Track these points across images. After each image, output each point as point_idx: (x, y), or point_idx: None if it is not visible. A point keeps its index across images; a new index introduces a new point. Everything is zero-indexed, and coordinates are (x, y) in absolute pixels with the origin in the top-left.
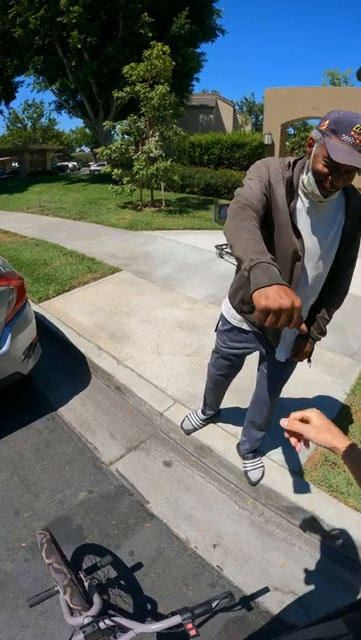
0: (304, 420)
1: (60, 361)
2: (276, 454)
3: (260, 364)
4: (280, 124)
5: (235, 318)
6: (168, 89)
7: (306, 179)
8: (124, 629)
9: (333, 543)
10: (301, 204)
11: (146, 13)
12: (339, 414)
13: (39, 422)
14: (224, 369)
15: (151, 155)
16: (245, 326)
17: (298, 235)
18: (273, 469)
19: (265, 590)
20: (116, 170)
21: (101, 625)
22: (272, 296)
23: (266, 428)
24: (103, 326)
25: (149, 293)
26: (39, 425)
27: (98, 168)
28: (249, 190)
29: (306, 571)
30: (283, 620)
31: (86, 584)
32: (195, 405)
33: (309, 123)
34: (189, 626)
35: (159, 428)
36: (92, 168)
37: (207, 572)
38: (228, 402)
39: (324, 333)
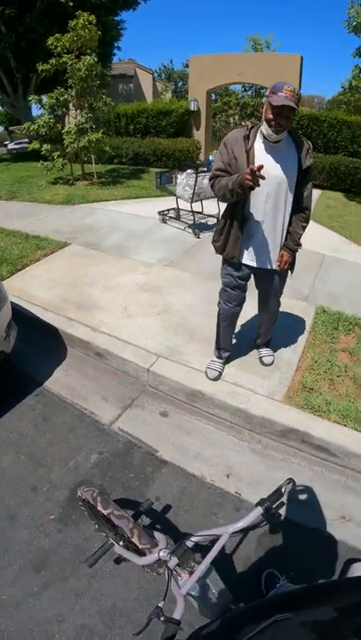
0: None
1: (32, 338)
2: (262, 388)
3: (257, 287)
4: (205, 90)
5: (216, 250)
6: (95, 59)
7: (263, 127)
8: (214, 537)
9: (326, 454)
10: (262, 148)
11: None
12: (304, 347)
13: (29, 399)
14: (235, 299)
15: (81, 127)
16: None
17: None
18: (262, 401)
19: (281, 504)
20: (45, 145)
21: (188, 544)
22: (246, 171)
23: (270, 330)
24: (68, 298)
25: (104, 262)
26: (30, 401)
27: (16, 147)
28: (216, 170)
29: (309, 481)
30: (302, 525)
31: (140, 527)
32: (177, 357)
33: (231, 88)
34: (272, 511)
35: (147, 384)
36: (9, 147)
37: (229, 499)
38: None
39: (299, 245)
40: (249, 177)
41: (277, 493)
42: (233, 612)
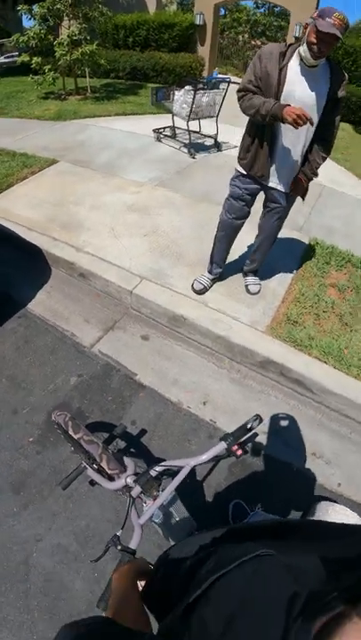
0: None
1: (15, 259)
2: (245, 317)
3: (264, 207)
4: (213, 3)
5: (243, 168)
6: None
7: (302, 48)
8: (177, 468)
9: (303, 389)
10: (296, 69)
11: None
12: (292, 278)
13: (11, 322)
14: (237, 211)
15: (75, 38)
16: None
17: (282, 85)
18: (244, 330)
19: (255, 435)
20: (35, 58)
21: (152, 473)
22: (293, 110)
23: (264, 257)
24: (53, 218)
25: (93, 181)
26: (12, 324)
27: (6, 61)
28: (246, 83)
29: (284, 414)
30: (274, 458)
31: (109, 453)
32: (161, 280)
33: (242, 4)
34: (234, 447)
35: (130, 306)
36: None
37: (203, 427)
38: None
39: (316, 174)
40: (295, 116)
41: (243, 429)
42: (204, 534)
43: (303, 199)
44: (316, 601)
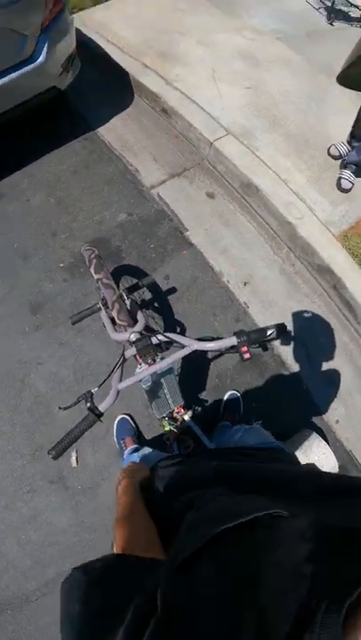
0: None
1: (99, 79)
2: (323, 213)
3: None
4: None
5: None
6: None
7: None
8: (180, 345)
9: (349, 312)
10: None
11: None
12: None
13: (76, 143)
14: None
15: None
16: None
17: None
18: (315, 226)
19: (264, 343)
20: None
21: (153, 340)
22: None
23: None
24: (152, 44)
25: (208, 14)
26: (76, 146)
27: None
28: None
29: (318, 328)
30: (290, 367)
31: (128, 302)
32: (248, 141)
33: None
34: (244, 348)
35: (206, 158)
36: None
37: (234, 307)
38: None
39: None
40: None
41: (261, 333)
42: (195, 461)
43: None
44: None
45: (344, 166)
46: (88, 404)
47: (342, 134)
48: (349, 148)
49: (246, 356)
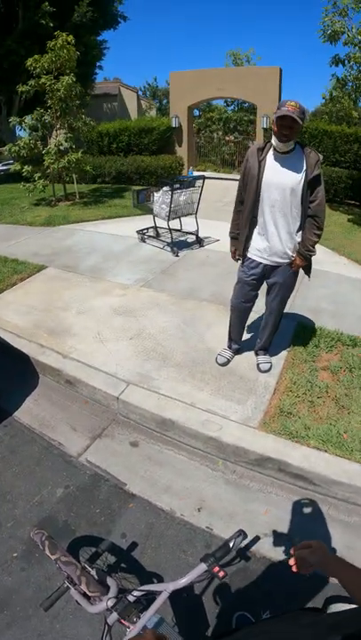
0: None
1: (3, 366)
2: (236, 414)
3: (267, 284)
4: (187, 106)
5: (238, 255)
6: (74, 79)
7: (273, 139)
8: (155, 593)
9: (305, 483)
10: (272, 159)
11: (47, 2)
12: (282, 367)
13: None
14: (243, 296)
15: (61, 147)
16: (254, 257)
17: (261, 174)
18: (235, 428)
19: (256, 539)
20: (26, 167)
21: (130, 598)
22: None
23: (275, 330)
24: (41, 324)
25: (80, 286)
26: None
27: (3, 168)
28: (238, 190)
29: (288, 513)
30: (280, 561)
31: (93, 572)
32: (148, 384)
33: (214, 103)
34: (216, 569)
35: (118, 412)
36: None
37: (199, 535)
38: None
39: (311, 251)
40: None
41: (225, 548)
42: None
43: (308, 276)
44: None
45: (256, 353)
46: None
47: (221, 342)
48: (230, 352)
49: (221, 574)
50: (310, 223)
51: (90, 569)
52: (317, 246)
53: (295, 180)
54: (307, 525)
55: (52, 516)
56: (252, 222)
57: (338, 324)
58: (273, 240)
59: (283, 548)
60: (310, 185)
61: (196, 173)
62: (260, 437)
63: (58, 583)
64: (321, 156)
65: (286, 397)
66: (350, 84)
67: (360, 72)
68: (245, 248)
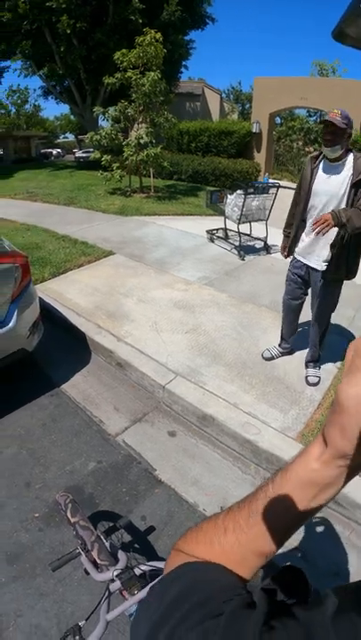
0: None
1: (60, 340)
2: (277, 422)
3: (311, 290)
4: (268, 112)
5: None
6: (159, 76)
7: (323, 148)
8: (161, 571)
9: (331, 502)
10: (323, 166)
11: None
12: (330, 383)
13: (44, 399)
14: (291, 292)
15: (141, 141)
16: (298, 258)
17: (313, 179)
18: (273, 436)
19: None
20: (105, 156)
21: (137, 571)
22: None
23: (321, 340)
24: (101, 306)
25: (144, 275)
26: (44, 401)
27: (83, 155)
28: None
29: (308, 530)
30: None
31: (107, 544)
32: (195, 379)
33: (296, 113)
34: None
35: (162, 401)
36: (76, 155)
37: None
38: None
39: (344, 219)
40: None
41: None
42: None
43: (349, 277)
44: None
45: (306, 365)
46: (77, 638)
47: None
48: (279, 349)
49: None
50: (357, 207)
51: (104, 540)
52: None
53: (339, 186)
54: (323, 545)
55: (80, 486)
56: (301, 225)
57: None
58: (316, 244)
59: (297, 564)
60: (356, 187)
61: (271, 181)
62: (296, 448)
63: (71, 549)
64: None
65: None
66: None
67: None
68: (293, 247)
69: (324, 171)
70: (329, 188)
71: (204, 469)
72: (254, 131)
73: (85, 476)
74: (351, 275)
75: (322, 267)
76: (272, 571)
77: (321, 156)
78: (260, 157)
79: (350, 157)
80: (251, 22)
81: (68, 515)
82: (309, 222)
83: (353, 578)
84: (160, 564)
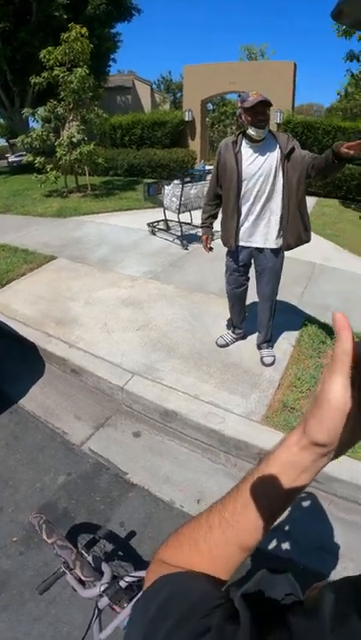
0: None
1: (11, 354)
2: (239, 408)
3: (256, 271)
4: (200, 100)
5: (222, 242)
6: (87, 71)
7: (249, 130)
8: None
9: None
10: (247, 149)
11: None
12: (287, 363)
13: (3, 417)
14: (234, 282)
15: (73, 139)
16: (241, 244)
17: (240, 165)
18: (238, 422)
19: None
20: (38, 158)
21: (122, 584)
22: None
23: (271, 320)
24: (48, 314)
25: (89, 276)
26: (3, 420)
27: (16, 159)
28: (210, 182)
29: (289, 509)
30: (274, 555)
31: (89, 558)
32: (152, 375)
33: (227, 98)
34: None
35: (122, 402)
36: (10, 160)
37: None
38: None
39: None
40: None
41: None
42: None
43: (307, 238)
44: None
45: (259, 347)
46: None
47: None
48: (233, 335)
49: None
50: (318, 160)
51: (86, 555)
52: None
53: (273, 163)
54: (306, 521)
55: (53, 502)
56: (238, 213)
57: None
58: (258, 225)
59: (282, 543)
60: (289, 159)
61: (208, 167)
62: (263, 431)
63: (55, 568)
64: (290, 134)
65: (290, 392)
66: None
67: None
68: (236, 238)
69: (251, 153)
70: (262, 169)
71: (174, 465)
72: (187, 119)
73: (57, 490)
74: (309, 234)
75: (276, 243)
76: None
77: (240, 140)
78: (194, 145)
79: (272, 136)
80: (177, 10)
81: (44, 536)
82: (245, 207)
83: (337, 549)
84: (144, 574)
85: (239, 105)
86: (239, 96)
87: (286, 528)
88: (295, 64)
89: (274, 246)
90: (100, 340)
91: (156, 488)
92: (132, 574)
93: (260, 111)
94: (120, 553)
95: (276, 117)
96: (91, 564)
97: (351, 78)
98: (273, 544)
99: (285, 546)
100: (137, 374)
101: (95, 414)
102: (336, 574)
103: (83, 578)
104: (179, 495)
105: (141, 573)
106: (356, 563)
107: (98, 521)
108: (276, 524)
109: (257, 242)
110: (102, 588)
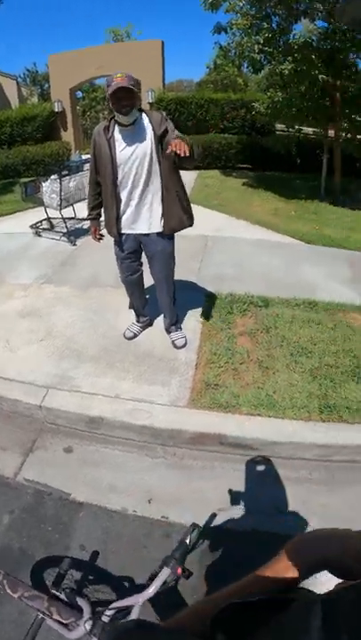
0: None
1: None
2: (163, 398)
3: (147, 256)
4: (68, 88)
5: (111, 234)
6: None
7: (116, 116)
8: (128, 608)
9: (246, 450)
10: (120, 134)
11: None
12: (199, 340)
13: None
14: (127, 269)
15: None
16: (126, 232)
17: (113, 151)
18: (165, 412)
19: (213, 516)
20: None
21: (104, 618)
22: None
23: (172, 302)
24: None
25: None
26: None
27: None
28: (90, 170)
29: (237, 482)
30: (240, 531)
31: (62, 595)
32: (68, 385)
33: (97, 83)
34: (180, 571)
35: (44, 421)
36: None
37: (156, 527)
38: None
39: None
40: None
41: (183, 546)
42: None
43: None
44: None
45: (168, 331)
46: None
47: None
48: (139, 325)
49: (187, 573)
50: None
51: (58, 594)
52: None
53: (147, 146)
54: (259, 488)
55: (5, 545)
56: (118, 200)
57: (246, 286)
58: (140, 211)
59: (241, 517)
60: (162, 140)
61: (84, 157)
62: (192, 415)
63: (33, 615)
64: (164, 113)
65: (210, 370)
66: (233, 50)
67: (243, 38)
68: (118, 227)
69: (124, 138)
70: (136, 153)
71: (114, 472)
72: (57, 110)
73: (5, 532)
74: (191, 218)
75: (161, 226)
76: None
77: (112, 125)
78: (68, 136)
79: (143, 115)
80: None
81: (9, 592)
82: (125, 194)
83: (295, 507)
84: (123, 603)
85: (105, 90)
86: (107, 80)
87: (242, 500)
88: (163, 42)
89: (160, 230)
90: (5, 360)
91: (105, 500)
92: (111, 607)
93: (121, 97)
94: (90, 577)
95: (147, 97)
96: (66, 601)
97: (220, 50)
98: (232, 522)
99: (246, 519)
100: (52, 387)
101: (20, 440)
102: (304, 530)
103: (63, 621)
104: (129, 500)
105: (118, 604)
106: (319, 515)
107: (58, 551)
108: (232, 500)
109: (141, 228)
110: (87, 627)
